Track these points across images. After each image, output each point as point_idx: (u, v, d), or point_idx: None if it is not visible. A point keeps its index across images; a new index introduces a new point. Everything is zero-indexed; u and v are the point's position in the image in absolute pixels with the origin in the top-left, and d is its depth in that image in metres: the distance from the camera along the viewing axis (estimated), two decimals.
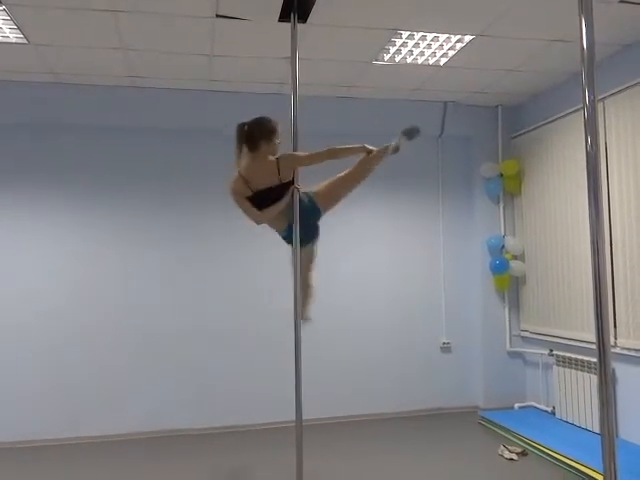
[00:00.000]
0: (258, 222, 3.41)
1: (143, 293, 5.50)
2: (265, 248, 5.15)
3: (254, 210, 3.34)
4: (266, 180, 3.29)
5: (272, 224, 3.45)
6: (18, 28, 4.12)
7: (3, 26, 4.10)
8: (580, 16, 2.06)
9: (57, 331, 5.29)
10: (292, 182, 3.33)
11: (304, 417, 3.33)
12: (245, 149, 3.36)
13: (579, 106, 4.97)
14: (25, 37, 4.27)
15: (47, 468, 4.58)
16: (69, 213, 5.41)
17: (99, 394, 5.32)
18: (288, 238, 3.41)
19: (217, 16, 3.97)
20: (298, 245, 3.34)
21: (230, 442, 5.17)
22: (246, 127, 3.35)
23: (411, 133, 3.71)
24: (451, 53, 4.75)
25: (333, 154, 3.32)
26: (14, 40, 4.32)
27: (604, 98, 4.73)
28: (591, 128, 2.02)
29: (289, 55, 3.58)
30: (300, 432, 3.32)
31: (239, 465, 4.56)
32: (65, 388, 5.26)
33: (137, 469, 4.51)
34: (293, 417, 3.33)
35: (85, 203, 5.44)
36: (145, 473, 4.42)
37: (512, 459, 4.53)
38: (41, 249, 5.33)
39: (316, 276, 3.69)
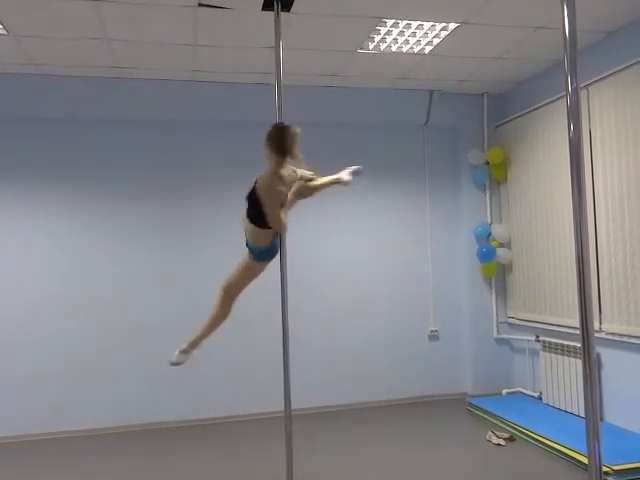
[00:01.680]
0: (284, 229, 3.28)
1: (133, 284, 5.47)
2: None
3: (283, 214, 3.26)
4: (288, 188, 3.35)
5: (258, 238, 3.28)
6: None
7: None
8: (562, 3, 2.07)
9: (44, 322, 5.25)
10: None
11: (293, 407, 3.35)
12: (290, 154, 3.22)
13: (562, 94, 4.98)
14: (5, 28, 4.20)
15: (34, 463, 4.56)
16: (59, 205, 5.36)
17: (88, 386, 5.30)
18: (263, 255, 3.32)
19: (200, 5, 3.93)
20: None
21: (219, 433, 5.18)
22: (299, 130, 3.23)
23: (358, 172, 3.87)
24: (436, 41, 4.74)
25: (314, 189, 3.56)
26: None
27: (588, 85, 4.74)
28: (574, 115, 2.03)
29: (273, 45, 3.55)
30: (289, 421, 3.34)
31: (229, 456, 4.57)
32: (53, 380, 5.24)
33: (126, 462, 4.51)
34: (282, 407, 3.34)
35: (74, 196, 5.39)
36: (134, 466, 4.42)
37: (500, 444, 4.59)
38: (28, 241, 5.28)
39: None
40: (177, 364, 3.55)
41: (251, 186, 3.26)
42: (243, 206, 3.35)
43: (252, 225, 3.25)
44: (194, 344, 3.56)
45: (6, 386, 5.14)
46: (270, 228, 3.24)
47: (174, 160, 5.62)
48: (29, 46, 4.57)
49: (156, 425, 5.35)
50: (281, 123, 3.29)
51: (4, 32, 4.27)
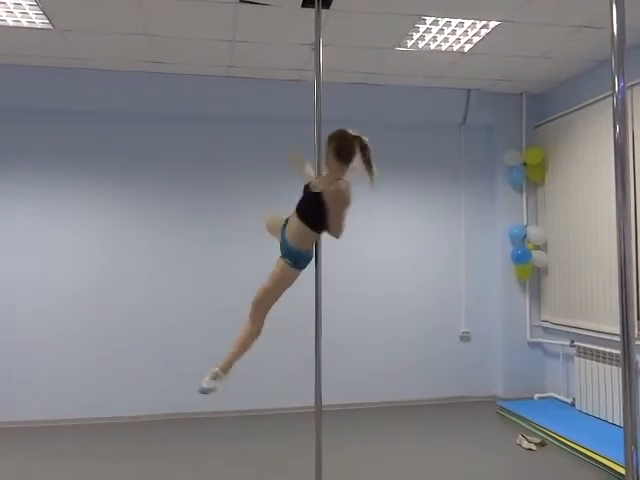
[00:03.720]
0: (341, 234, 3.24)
1: (160, 276, 5.56)
2: None
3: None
4: None
5: (305, 240, 3.19)
6: (44, 13, 4.16)
7: (29, 11, 4.14)
8: (611, 1, 2.02)
9: (76, 313, 5.38)
10: None
11: (323, 403, 3.35)
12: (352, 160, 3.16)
13: (606, 94, 4.88)
14: (50, 22, 4.30)
15: (63, 448, 4.67)
16: (90, 198, 5.48)
17: (115, 376, 5.41)
18: (303, 259, 3.21)
19: (240, 1, 3.96)
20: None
21: (248, 426, 5.22)
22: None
23: None
24: (476, 39, 4.68)
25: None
26: (40, 25, 4.36)
27: (632, 85, 4.63)
28: (620, 116, 1.98)
29: (311, 41, 3.55)
30: (319, 417, 3.34)
31: (258, 449, 4.61)
32: (82, 369, 5.36)
33: (151, 451, 4.59)
34: (312, 402, 3.35)
35: (106, 188, 5.51)
36: (159, 455, 4.49)
37: (531, 449, 4.52)
38: (62, 233, 5.42)
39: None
40: (207, 391, 3.21)
41: (308, 189, 3.19)
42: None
43: (304, 225, 3.13)
44: (226, 367, 3.31)
45: (39, 373, 5.28)
46: (321, 232, 3.19)
47: (208, 154, 5.69)
48: (73, 40, 4.67)
49: (183, 416, 5.42)
50: (345, 131, 3.17)
51: (50, 27, 4.38)
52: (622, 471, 3.70)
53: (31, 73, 5.21)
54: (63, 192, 5.44)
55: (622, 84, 1.97)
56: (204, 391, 3.20)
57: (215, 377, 3.26)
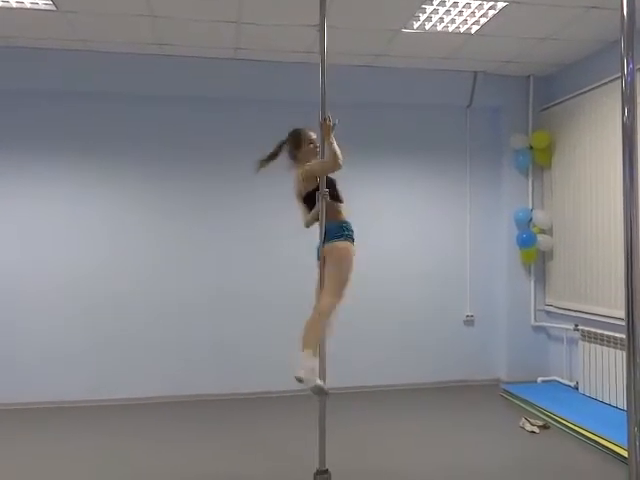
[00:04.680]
0: (305, 224, 3.64)
1: (169, 260, 5.58)
2: (292, 216, 5.16)
3: (305, 212, 3.60)
4: (307, 185, 3.46)
5: (337, 213, 3.52)
6: None
7: None
8: None
9: (86, 297, 5.41)
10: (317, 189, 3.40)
11: (327, 385, 3.38)
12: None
13: (614, 76, 4.82)
14: (54, 3, 4.27)
15: (71, 429, 4.72)
16: (99, 180, 5.49)
17: (124, 358, 5.46)
18: (349, 228, 3.59)
19: None
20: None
21: (253, 408, 5.27)
22: (285, 142, 3.64)
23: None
24: (483, 20, 4.63)
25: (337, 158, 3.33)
26: (43, 7, 4.33)
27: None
28: (628, 98, 1.96)
29: (317, 23, 3.52)
30: (324, 400, 3.38)
31: (263, 430, 4.65)
32: (91, 352, 5.41)
33: (159, 433, 4.63)
34: None
35: (113, 170, 5.51)
36: (166, 437, 4.53)
37: (534, 432, 4.55)
38: (74, 217, 5.44)
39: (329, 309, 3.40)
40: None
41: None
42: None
43: (331, 201, 3.42)
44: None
45: (53, 355, 5.33)
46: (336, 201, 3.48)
47: (213, 137, 5.67)
48: (76, 22, 4.64)
49: (190, 398, 5.47)
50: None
51: (53, 8, 4.35)
52: (624, 453, 3.73)
53: (34, 55, 5.17)
54: (63, 175, 5.44)
55: (631, 66, 1.95)
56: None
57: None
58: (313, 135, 3.58)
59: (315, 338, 3.29)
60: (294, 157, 3.60)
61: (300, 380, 3.19)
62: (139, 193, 5.56)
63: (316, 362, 3.28)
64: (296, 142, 3.59)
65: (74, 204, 5.44)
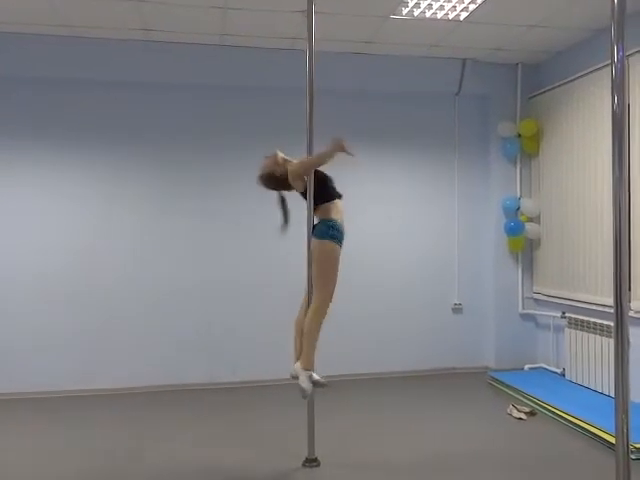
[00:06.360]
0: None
1: (158, 246, 5.53)
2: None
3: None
4: (299, 185, 3.62)
5: (330, 211, 3.69)
6: None
7: None
8: None
9: (74, 284, 5.35)
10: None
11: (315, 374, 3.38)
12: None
13: (603, 64, 4.83)
14: None
15: (62, 419, 4.69)
16: (85, 169, 5.42)
17: (114, 347, 5.42)
18: (340, 228, 3.77)
19: None
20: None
21: (241, 397, 5.27)
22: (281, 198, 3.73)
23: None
24: (472, 7, 4.60)
25: (320, 159, 3.50)
26: None
27: (629, 55, 4.57)
28: (618, 86, 1.96)
29: (304, 8, 3.48)
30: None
31: (251, 419, 4.65)
32: (81, 340, 5.36)
33: (146, 422, 4.60)
34: None
35: (95, 159, 5.43)
36: (154, 426, 4.51)
37: (521, 418, 4.59)
38: (60, 206, 5.37)
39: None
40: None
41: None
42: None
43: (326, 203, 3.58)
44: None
45: (40, 344, 5.28)
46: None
47: (199, 124, 5.61)
48: (60, 6, 4.54)
49: (180, 387, 5.45)
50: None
51: None
52: (610, 439, 3.77)
53: (18, 40, 5.07)
54: (52, 163, 5.36)
55: (621, 53, 1.94)
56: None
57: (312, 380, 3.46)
58: (268, 160, 3.64)
59: (314, 347, 3.45)
60: (284, 185, 3.64)
61: (304, 391, 3.37)
62: (126, 181, 5.49)
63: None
64: (271, 180, 3.65)
65: (59, 191, 5.36)
